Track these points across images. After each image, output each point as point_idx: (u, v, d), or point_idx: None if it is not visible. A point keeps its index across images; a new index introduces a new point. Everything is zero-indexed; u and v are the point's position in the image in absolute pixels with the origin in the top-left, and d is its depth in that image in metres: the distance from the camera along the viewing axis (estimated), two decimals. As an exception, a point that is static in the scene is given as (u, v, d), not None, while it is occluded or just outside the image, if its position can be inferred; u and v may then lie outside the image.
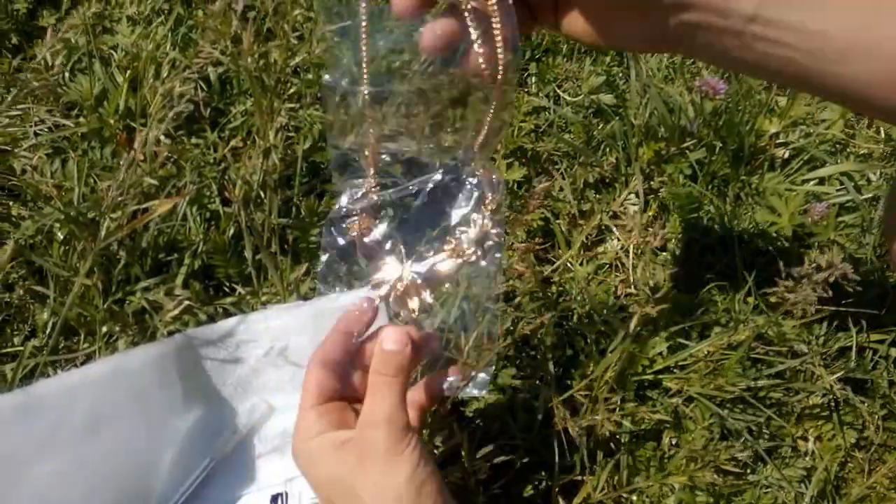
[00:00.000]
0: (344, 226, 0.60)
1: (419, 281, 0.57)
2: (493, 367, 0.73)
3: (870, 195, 1.01)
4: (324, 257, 0.60)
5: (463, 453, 0.71)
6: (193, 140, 0.91)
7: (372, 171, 0.58)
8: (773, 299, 0.90)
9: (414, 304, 0.58)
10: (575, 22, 0.45)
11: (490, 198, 0.58)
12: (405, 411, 0.49)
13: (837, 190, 1.02)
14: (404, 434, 0.47)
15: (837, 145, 1.09)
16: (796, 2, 0.37)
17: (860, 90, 0.39)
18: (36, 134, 0.89)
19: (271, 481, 0.73)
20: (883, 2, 0.37)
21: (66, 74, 0.95)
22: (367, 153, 0.56)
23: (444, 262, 0.58)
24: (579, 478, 0.81)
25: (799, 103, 1.07)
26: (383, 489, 0.46)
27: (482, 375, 0.63)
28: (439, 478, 0.48)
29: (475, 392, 0.65)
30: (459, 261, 0.58)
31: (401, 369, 0.50)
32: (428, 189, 0.62)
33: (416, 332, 0.52)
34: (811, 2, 0.37)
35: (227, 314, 0.79)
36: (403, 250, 0.59)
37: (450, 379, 0.60)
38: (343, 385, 0.54)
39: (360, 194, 0.59)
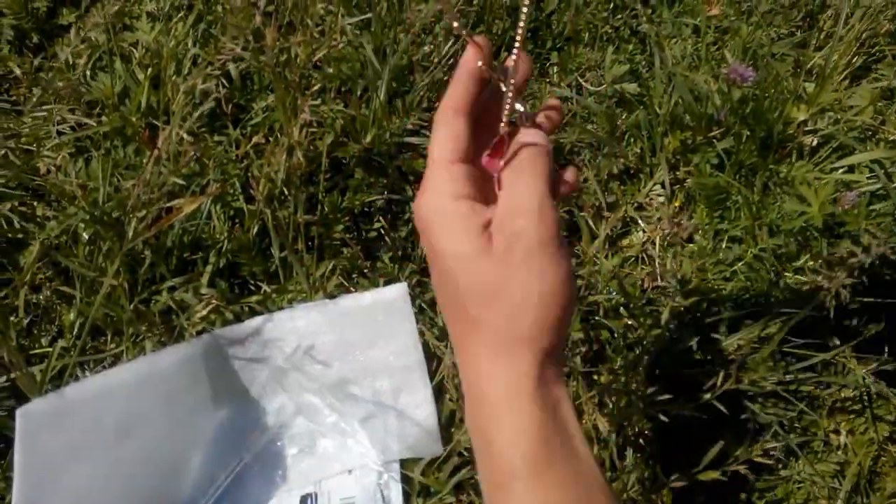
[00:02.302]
0: None
1: None
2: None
3: (901, 183, 0.99)
4: None
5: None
6: (216, 137, 0.91)
7: None
8: (805, 289, 0.88)
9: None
10: None
11: None
12: (555, 206, 0.41)
13: (868, 178, 1.00)
14: (557, 231, 0.40)
15: (867, 132, 1.07)
16: None
17: None
18: (59, 133, 0.89)
19: (301, 482, 0.73)
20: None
21: (88, 73, 0.95)
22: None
23: None
24: (610, 475, 0.80)
25: (827, 89, 1.05)
26: (528, 292, 0.39)
27: None
28: (576, 293, 0.42)
29: None
30: None
31: (545, 161, 0.42)
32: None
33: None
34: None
35: (254, 313, 0.79)
36: None
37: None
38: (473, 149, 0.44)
39: None
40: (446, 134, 0.43)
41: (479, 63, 0.43)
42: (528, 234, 0.39)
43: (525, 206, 0.40)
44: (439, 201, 0.41)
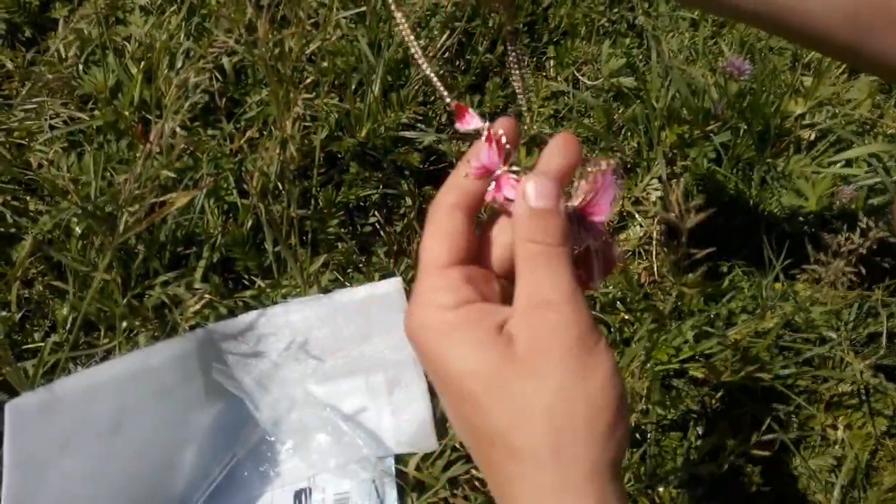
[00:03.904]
0: None
1: None
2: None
3: (899, 177, 0.99)
4: None
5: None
6: (209, 131, 0.90)
7: None
8: (802, 279, 0.88)
9: None
10: None
11: None
12: (584, 292, 0.35)
13: (866, 172, 0.99)
14: (593, 322, 0.34)
15: (865, 125, 1.07)
16: None
17: (817, 28, 0.39)
18: (51, 128, 0.88)
19: (295, 477, 0.73)
20: None
21: (80, 67, 0.94)
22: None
23: None
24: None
25: (824, 83, 1.04)
26: (570, 398, 0.32)
27: None
28: (626, 395, 0.35)
29: None
30: None
31: (563, 235, 0.35)
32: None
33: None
34: None
35: (248, 307, 0.79)
36: None
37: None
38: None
39: None
40: (439, 232, 0.36)
41: (469, 173, 0.37)
42: (564, 330, 0.33)
43: (554, 298, 0.33)
44: (434, 316, 0.34)
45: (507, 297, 0.36)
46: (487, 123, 0.38)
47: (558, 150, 0.38)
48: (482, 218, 0.40)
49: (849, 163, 1.01)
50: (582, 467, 0.32)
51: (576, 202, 0.37)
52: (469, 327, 0.34)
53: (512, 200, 0.36)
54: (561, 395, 0.32)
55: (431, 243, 0.36)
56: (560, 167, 0.37)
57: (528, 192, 0.35)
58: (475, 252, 0.37)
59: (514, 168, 0.37)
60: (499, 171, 0.37)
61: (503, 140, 0.37)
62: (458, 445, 0.75)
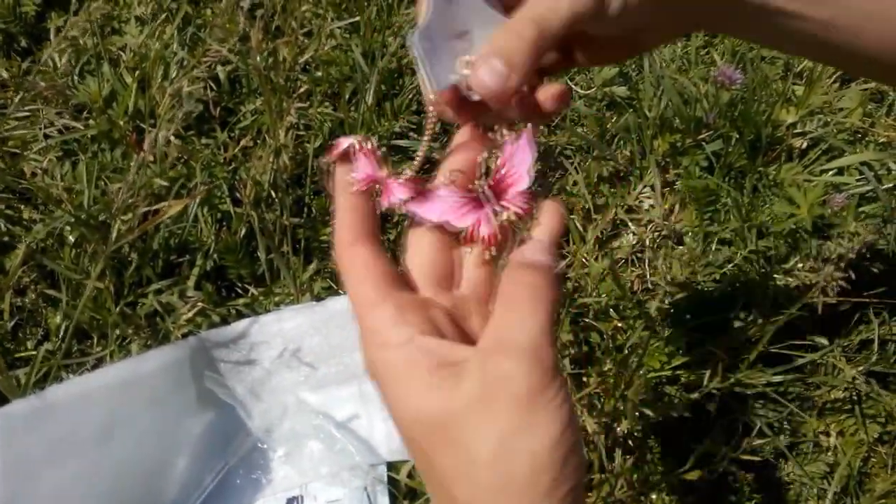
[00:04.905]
0: None
1: None
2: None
3: (891, 185, 0.99)
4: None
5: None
6: (204, 140, 0.91)
7: None
8: (794, 290, 0.88)
9: None
10: (597, 53, 0.43)
11: None
12: (554, 343, 0.33)
13: (857, 180, 1.00)
14: (555, 374, 0.31)
15: (856, 134, 1.07)
16: None
17: (872, 55, 0.39)
18: (46, 136, 0.89)
19: (287, 484, 0.73)
20: None
21: (75, 76, 0.95)
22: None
23: None
24: (598, 476, 0.79)
25: (816, 92, 1.05)
26: (513, 451, 0.30)
27: None
28: (582, 449, 0.33)
29: None
30: None
31: (551, 288, 0.33)
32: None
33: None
34: None
35: (240, 315, 0.79)
36: None
37: None
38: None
39: None
40: (356, 274, 0.34)
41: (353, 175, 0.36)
42: (518, 380, 0.30)
43: (516, 343, 0.31)
44: (376, 355, 0.33)
45: (443, 323, 0.34)
46: (354, 139, 0.37)
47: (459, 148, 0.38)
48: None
49: (840, 171, 1.02)
50: None
51: (489, 178, 0.37)
52: (414, 368, 0.32)
53: (405, 201, 0.36)
54: (504, 447, 0.30)
55: (353, 286, 0.34)
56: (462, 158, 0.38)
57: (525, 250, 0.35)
58: (399, 279, 0.35)
59: (397, 171, 0.37)
60: (382, 177, 0.37)
61: (374, 148, 0.37)
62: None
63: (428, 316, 0.34)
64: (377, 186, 0.37)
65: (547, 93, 0.40)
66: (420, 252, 0.36)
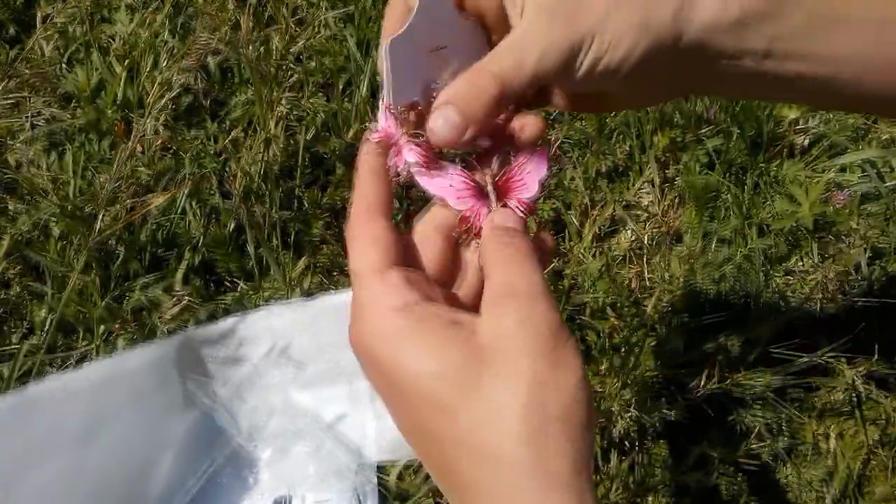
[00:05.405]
0: None
1: None
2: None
3: (894, 183, 0.97)
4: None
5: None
6: (193, 131, 0.89)
7: None
8: (794, 290, 0.87)
9: None
10: (575, 103, 0.42)
11: None
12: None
13: (860, 177, 0.98)
14: (563, 323, 0.31)
15: (859, 131, 1.05)
16: (807, 29, 0.36)
17: (878, 102, 0.39)
18: (32, 126, 0.87)
19: (275, 485, 0.71)
20: (888, 13, 0.36)
21: (63, 65, 0.93)
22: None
23: None
24: (594, 478, 0.78)
25: (819, 88, 1.03)
26: (545, 392, 0.29)
27: None
28: None
29: None
30: None
31: (531, 242, 0.34)
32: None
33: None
34: (822, 27, 0.36)
35: (228, 311, 0.77)
36: None
37: None
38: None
39: None
40: (365, 238, 0.34)
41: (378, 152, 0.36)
42: (537, 321, 0.30)
43: (525, 289, 0.31)
44: (382, 321, 0.31)
45: (451, 301, 0.34)
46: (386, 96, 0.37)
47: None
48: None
49: (842, 168, 1.00)
50: (564, 464, 0.29)
51: (498, 174, 0.36)
52: (423, 326, 0.31)
53: (416, 165, 0.35)
54: (535, 388, 0.29)
55: (361, 251, 0.34)
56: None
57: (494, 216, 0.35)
58: (403, 259, 0.35)
59: (417, 132, 0.36)
60: (399, 136, 0.36)
61: (399, 109, 0.36)
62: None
63: (432, 289, 0.34)
64: (392, 146, 0.36)
65: (522, 123, 0.39)
66: (424, 253, 0.36)
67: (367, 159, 0.36)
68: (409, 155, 0.36)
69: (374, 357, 0.32)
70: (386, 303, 0.32)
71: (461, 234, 0.36)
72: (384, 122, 0.36)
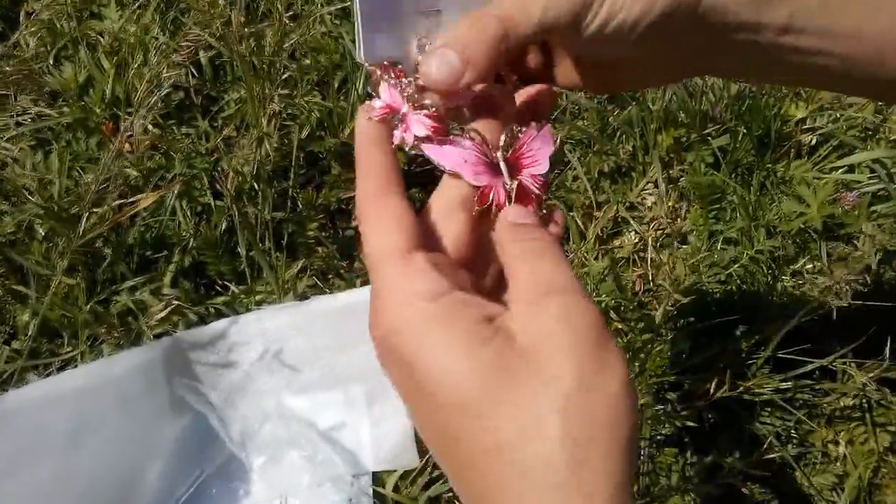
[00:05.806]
0: None
1: None
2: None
3: (903, 183, 0.95)
4: None
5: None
6: (184, 129, 0.86)
7: None
8: (803, 292, 0.84)
9: None
10: (580, 76, 0.39)
11: None
12: None
13: (869, 178, 0.96)
14: (605, 320, 0.29)
15: (868, 130, 1.03)
16: (829, 5, 0.34)
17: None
18: (18, 124, 0.85)
19: (266, 494, 0.69)
20: None
21: (51, 61, 0.90)
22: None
23: None
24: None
25: (826, 86, 1.01)
26: (587, 400, 0.26)
27: None
28: None
29: None
30: None
31: (552, 238, 0.32)
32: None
33: None
34: (842, 4, 0.35)
35: (219, 315, 0.75)
36: None
37: None
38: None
39: None
40: (384, 218, 0.30)
41: (373, 117, 0.33)
42: (578, 318, 0.27)
43: (563, 284, 0.29)
44: (410, 310, 0.28)
45: (476, 290, 0.31)
46: (386, 64, 0.34)
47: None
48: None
49: (851, 168, 0.98)
50: (606, 483, 0.26)
51: (507, 152, 0.34)
52: (454, 318, 0.28)
53: (423, 139, 0.33)
54: (578, 397, 0.26)
55: (378, 233, 0.30)
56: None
57: (505, 213, 0.32)
58: (428, 238, 0.32)
59: (426, 102, 0.33)
60: (404, 109, 0.33)
61: (400, 74, 0.34)
62: (440, 462, 0.71)
63: (459, 275, 0.30)
64: (396, 118, 0.34)
65: (538, 90, 0.37)
66: (445, 234, 0.32)
67: (366, 131, 0.32)
68: (418, 128, 0.33)
69: (395, 349, 0.28)
70: (411, 290, 0.28)
71: (482, 212, 0.33)
72: (387, 95, 0.33)
